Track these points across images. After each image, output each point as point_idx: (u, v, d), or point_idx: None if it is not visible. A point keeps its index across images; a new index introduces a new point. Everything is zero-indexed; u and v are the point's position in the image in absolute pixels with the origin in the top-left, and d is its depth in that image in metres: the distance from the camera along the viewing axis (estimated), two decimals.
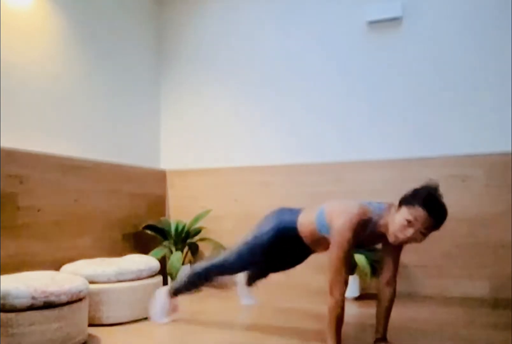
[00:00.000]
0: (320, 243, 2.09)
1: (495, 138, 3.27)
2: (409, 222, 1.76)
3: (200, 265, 2.39)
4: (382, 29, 3.60)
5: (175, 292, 2.49)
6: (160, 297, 2.52)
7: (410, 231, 1.77)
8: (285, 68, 3.89)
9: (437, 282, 3.30)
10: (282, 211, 2.25)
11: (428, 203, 1.76)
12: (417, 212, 1.76)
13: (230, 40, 4.10)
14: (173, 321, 2.54)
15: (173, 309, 2.60)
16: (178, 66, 4.27)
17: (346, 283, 1.81)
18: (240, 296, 2.97)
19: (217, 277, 2.43)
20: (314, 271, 3.39)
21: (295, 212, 2.19)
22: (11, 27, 2.80)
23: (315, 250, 2.20)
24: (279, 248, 2.21)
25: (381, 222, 1.88)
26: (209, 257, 2.57)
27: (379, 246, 2.09)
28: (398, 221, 1.79)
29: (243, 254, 2.24)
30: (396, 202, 1.89)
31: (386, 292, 1.99)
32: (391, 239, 1.83)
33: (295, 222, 2.13)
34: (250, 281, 2.85)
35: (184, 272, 2.54)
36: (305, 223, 2.10)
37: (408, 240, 1.80)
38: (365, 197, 3.44)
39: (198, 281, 2.41)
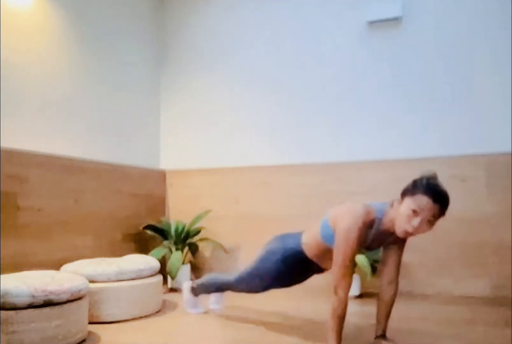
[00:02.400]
0: (329, 257, 2.04)
1: (495, 138, 3.27)
2: (414, 211, 1.75)
3: (216, 278, 2.53)
4: (382, 29, 3.61)
5: (193, 291, 2.69)
6: (184, 291, 2.75)
7: (416, 221, 1.75)
8: (285, 68, 3.90)
9: (438, 281, 3.30)
10: (283, 237, 2.22)
11: (430, 189, 1.75)
12: (421, 200, 1.74)
13: (230, 40, 4.11)
14: (172, 318, 2.55)
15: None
16: (178, 66, 4.28)
17: (350, 283, 1.81)
18: (210, 300, 2.89)
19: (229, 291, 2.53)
20: None
21: (297, 235, 2.17)
22: (11, 27, 2.81)
23: (326, 267, 2.17)
24: (287, 275, 2.20)
25: (386, 219, 1.86)
26: (223, 272, 2.65)
27: None
28: (403, 212, 1.77)
29: (248, 283, 2.28)
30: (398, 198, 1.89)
31: (387, 291, 1.99)
32: (399, 232, 1.81)
33: (299, 244, 2.11)
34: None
35: (208, 276, 2.61)
36: (310, 241, 2.07)
37: (416, 231, 1.77)
38: (365, 197, 3.44)
39: (211, 290, 2.60)
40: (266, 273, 2.18)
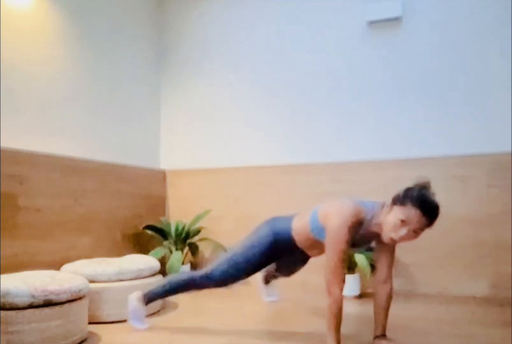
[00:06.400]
0: (315, 247, 2.10)
1: (495, 138, 3.27)
2: (402, 222, 1.78)
3: (181, 276, 2.31)
4: (382, 29, 3.61)
5: (150, 299, 2.36)
6: (132, 302, 2.35)
7: (403, 231, 1.79)
8: (285, 68, 3.90)
9: (437, 281, 3.30)
10: (274, 220, 2.23)
11: (420, 202, 1.78)
12: (410, 212, 1.77)
13: (230, 40, 4.11)
14: (172, 318, 2.54)
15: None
16: (178, 67, 4.28)
17: (343, 281, 1.82)
18: (260, 293, 3.07)
19: (196, 289, 2.33)
20: (311, 269, 3.38)
21: (288, 219, 2.18)
22: (11, 27, 2.81)
23: (311, 254, 2.21)
24: (275, 258, 2.22)
25: (375, 221, 1.90)
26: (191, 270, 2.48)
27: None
28: (391, 221, 1.81)
29: (233, 268, 2.18)
30: (389, 202, 1.90)
31: (383, 290, 2.00)
32: (385, 238, 1.85)
33: (289, 230, 2.13)
34: (267, 280, 2.97)
35: (162, 280, 2.38)
36: (299, 229, 2.09)
37: (402, 239, 1.81)
38: (365, 197, 3.44)
39: (177, 291, 2.33)
40: (253, 257, 2.16)
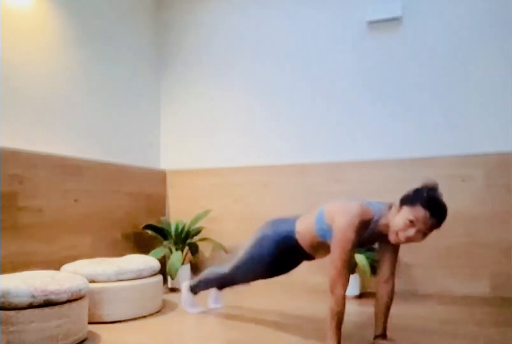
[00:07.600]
0: (321, 248, 2.09)
1: (495, 138, 3.27)
2: (410, 222, 1.78)
3: (217, 270, 2.51)
4: (382, 29, 3.61)
5: (192, 289, 2.71)
6: (183, 291, 2.76)
7: (411, 231, 1.79)
8: (285, 68, 3.90)
9: (438, 281, 3.30)
10: (276, 222, 2.24)
11: (429, 203, 1.78)
12: (419, 212, 1.78)
13: (230, 40, 4.11)
14: (172, 318, 2.55)
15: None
16: (178, 66, 4.28)
17: (347, 282, 1.82)
18: (209, 299, 2.89)
19: (227, 285, 2.60)
20: (312, 270, 3.39)
21: (291, 221, 2.18)
22: (11, 27, 2.81)
23: (315, 256, 2.20)
24: (280, 260, 2.23)
25: (382, 221, 1.89)
26: (219, 264, 2.69)
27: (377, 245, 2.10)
28: (400, 221, 1.81)
29: (244, 271, 2.30)
30: (397, 202, 1.90)
31: (384, 290, 2.01)
32: (392, 239, 1.84)
33: (293, 232, 2.13)
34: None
35: (205, 272, 2.64)
36: (304, 231, 2.09)
37: (409, 240, 1.81)
38: (365, 197, 3.44)
39: (210, 286, 2.66)
40: (259, 258, 2.19)
